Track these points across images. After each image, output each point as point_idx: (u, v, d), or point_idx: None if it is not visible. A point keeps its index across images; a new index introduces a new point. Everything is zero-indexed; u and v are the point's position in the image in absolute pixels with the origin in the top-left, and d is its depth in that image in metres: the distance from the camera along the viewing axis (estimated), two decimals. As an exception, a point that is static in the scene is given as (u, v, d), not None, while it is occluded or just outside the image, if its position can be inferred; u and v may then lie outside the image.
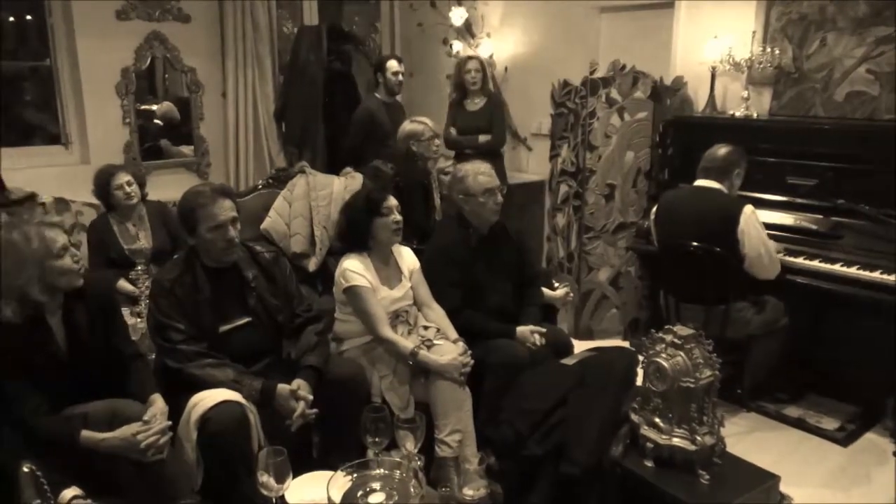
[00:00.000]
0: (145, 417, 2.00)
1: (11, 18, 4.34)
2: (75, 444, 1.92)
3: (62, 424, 1.96)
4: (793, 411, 3.30)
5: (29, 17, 4.34)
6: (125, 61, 4.50)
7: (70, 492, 1.76)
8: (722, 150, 3.11)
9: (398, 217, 2.69)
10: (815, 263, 3.09)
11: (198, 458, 2.12)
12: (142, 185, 3.39)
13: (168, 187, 4.48)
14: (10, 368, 1.93)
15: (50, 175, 4.13)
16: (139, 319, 2.74)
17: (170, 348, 2.23)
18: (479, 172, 2.84)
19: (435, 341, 2.60)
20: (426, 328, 2.71)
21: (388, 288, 2.71)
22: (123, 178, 3.26)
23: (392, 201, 2.70)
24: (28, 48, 4.40)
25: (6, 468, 1.69)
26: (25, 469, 1.68)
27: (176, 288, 2.27)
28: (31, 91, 4.47)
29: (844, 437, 3.09)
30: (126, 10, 4.42)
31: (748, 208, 2.97)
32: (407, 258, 2.84)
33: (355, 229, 2.72)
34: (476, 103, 4.59)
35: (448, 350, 2.55)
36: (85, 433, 1.94)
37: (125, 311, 2.47)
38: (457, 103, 4.68)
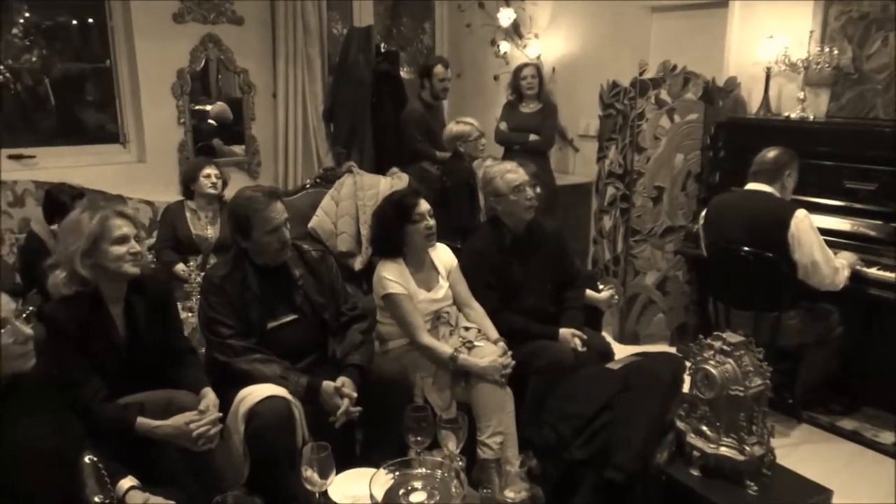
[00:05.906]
0: (200, 407, 2.07)
1: (74, 22, 4.51)
2: (131, 431, 1.98)
3: (120, 410, 2.03)
4: (847, 423, 3.20)
5: (91, 21, 4.50)
6: (181, 63, 4.62)
7: (127, 482, 1.80)
8: (771, 152, 3.03)
9: (431, 222, 2.65)
10: (873, 271, 2.98)
11: (245, 451, 2.17)
12: (224, 184, 3.62)
13: (220, 186, 4.61)
14: (72, 354, 2.01)
15: (108, 173, 4.28)
16: (191, 314, 2.82)
17: (219, 343, 2.29)
18: (505, 171, 2.83)
19: (475, 342, 2.59)
20: (467, 329, 2.69)
21: (426, 290, 2.70)
22: (213, 170, 3.57)
23: (424, 206, 2.65)
24: (89, 50, 4.56)
25: (70, 455, 1.73)
26: (87, 460, 1.72)
27: (226, 285, 2.33)
28: (91, 91, 4.63)
29: (902, 452, 2.99)
30: (182, 13, 4.54)
31: (800, 212, 2.87)
32: (443, 256, 2.81)
33: (388, 237, 2.69)
34: (531, 107, 4.73)
35: (488, 351, 2.54)
36: (140, 420, 2.00)
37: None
38: (512, 104, 4.81)
